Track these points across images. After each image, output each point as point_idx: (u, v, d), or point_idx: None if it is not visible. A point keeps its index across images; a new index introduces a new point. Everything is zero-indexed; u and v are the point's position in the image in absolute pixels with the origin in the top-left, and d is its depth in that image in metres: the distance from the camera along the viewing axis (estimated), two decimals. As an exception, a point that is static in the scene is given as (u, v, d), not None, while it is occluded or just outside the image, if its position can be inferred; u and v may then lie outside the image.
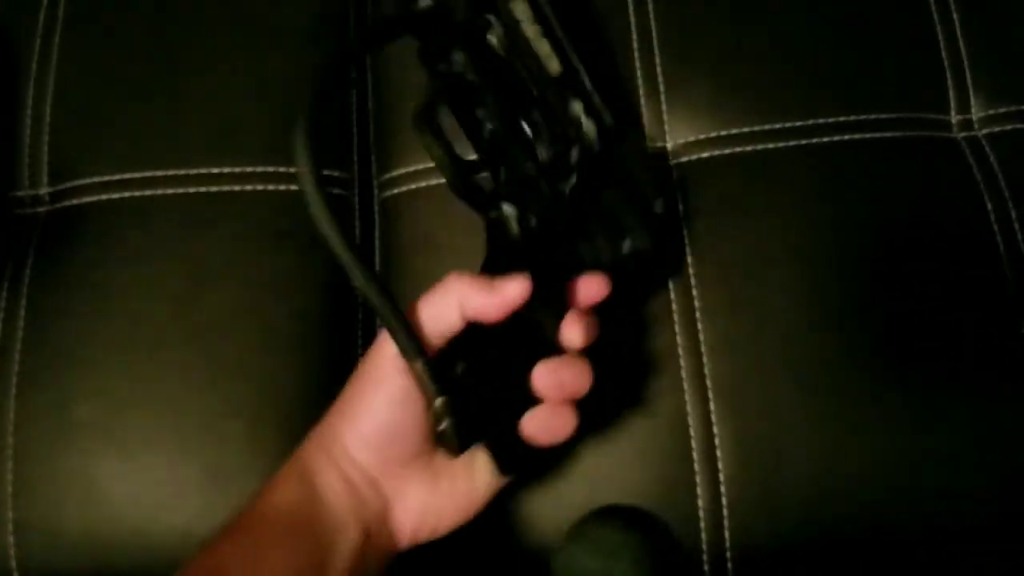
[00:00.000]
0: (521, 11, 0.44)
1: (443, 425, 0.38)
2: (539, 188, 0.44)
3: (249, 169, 0.56)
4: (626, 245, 0.47)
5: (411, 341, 0.37)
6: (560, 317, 0.43)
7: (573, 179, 0.44)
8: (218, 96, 0.57)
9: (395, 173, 0.57)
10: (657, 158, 0.55)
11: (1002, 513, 0.48)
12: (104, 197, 0.55)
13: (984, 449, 0.49)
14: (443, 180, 0.43)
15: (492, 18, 0.43)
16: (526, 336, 0.42)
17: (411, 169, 0.57)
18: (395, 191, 0.57)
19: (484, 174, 0.44)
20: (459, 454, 0.40)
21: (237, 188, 0.55)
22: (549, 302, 0.43)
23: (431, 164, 0.49)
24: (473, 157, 0.44)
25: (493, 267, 0.43)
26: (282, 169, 0.55)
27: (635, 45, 0.57)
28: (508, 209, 0.43)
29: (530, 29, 0.44)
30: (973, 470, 0.48)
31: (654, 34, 0.57)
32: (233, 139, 0.56)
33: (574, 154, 0.44)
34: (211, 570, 0.37)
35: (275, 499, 0.39)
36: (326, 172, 0.56)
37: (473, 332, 0.41)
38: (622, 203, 0.47)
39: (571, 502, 0.49)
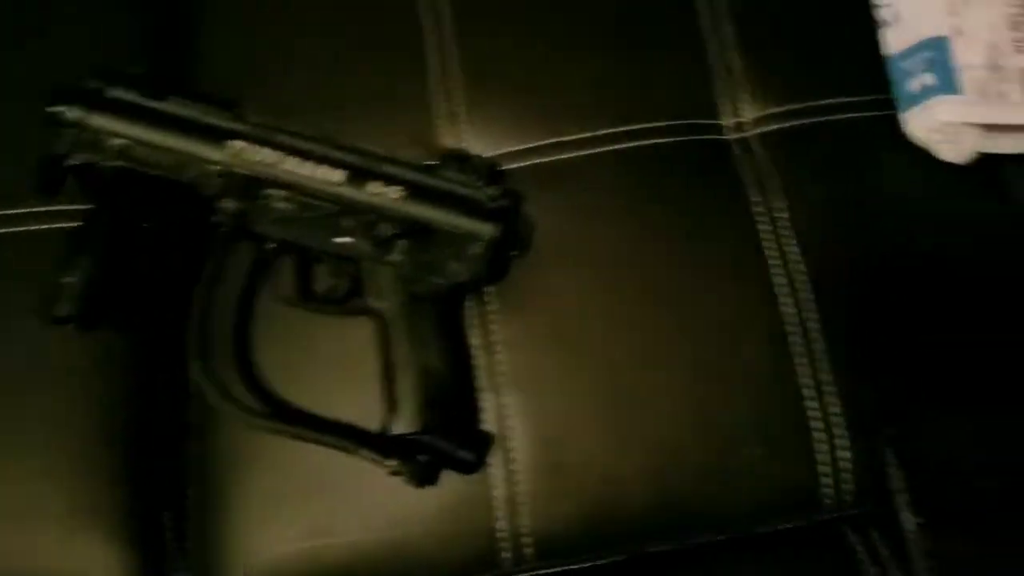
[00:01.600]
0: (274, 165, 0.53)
1: (404, 478, 0.50)
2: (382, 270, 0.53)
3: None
4: (458, 274, 0.54)
5: (349, 442, 0.50)
6: None
7: (399, 245, 0.53)
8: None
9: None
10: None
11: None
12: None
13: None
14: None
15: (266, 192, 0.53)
16: None
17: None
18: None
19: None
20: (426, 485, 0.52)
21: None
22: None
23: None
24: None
25: None
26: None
27: (435, 67, 0.61)
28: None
29: (300, 174, 0.53)
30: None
31: (455, 57, 0.62)
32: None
33: (385, 229, 0.53)
34: None
35: None
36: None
37: None
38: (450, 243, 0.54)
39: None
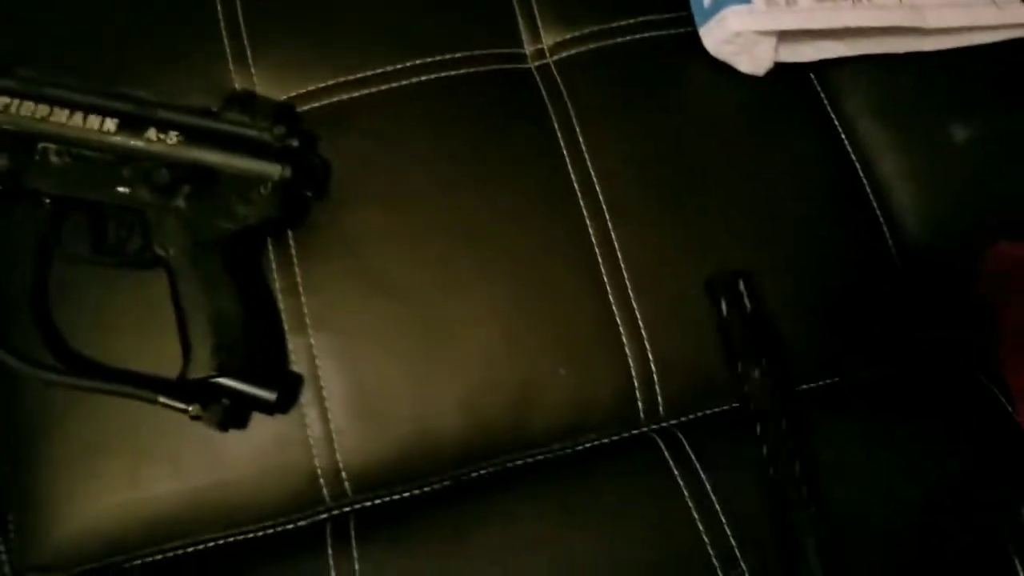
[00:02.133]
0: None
1: (204, 421, 0.50)
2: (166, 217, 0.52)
3: None
4: (247, 217, 0.53)
5: (144, 391, 0.50)
6: None
7: (182, 190, 0.52)
8: None
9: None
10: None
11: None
12: None
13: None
14: None
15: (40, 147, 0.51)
16: None
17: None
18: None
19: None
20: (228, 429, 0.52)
21: None
22: None
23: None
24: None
25: None
26: None
27: (222, 11, 0.60)
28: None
29: (70, 125, 0.51)
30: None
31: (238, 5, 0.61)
32: None
33: (163, 175, 0.52)
34: None
35: None
36: None
37: None
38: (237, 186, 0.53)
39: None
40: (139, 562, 0.52)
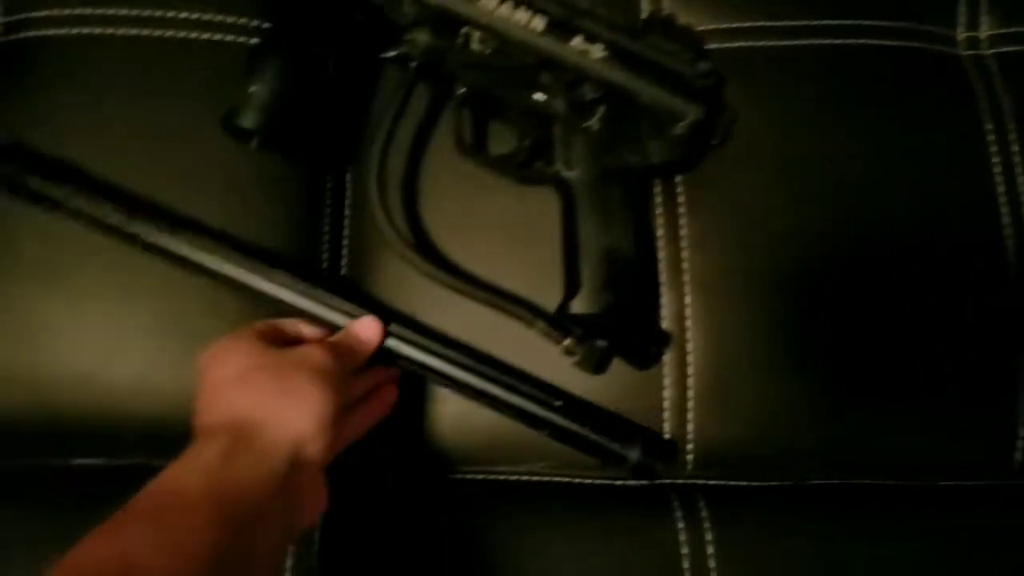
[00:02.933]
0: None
1: (575, 359, 0.47)
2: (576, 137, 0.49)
3: (206, 17, 0.53)
4: (656, 154, 0.50)
5: (525, 311, 0.48)
6: None
7: (599, 111, 0.48)
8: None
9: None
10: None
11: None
12: (58, 31, 0.52)
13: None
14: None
15: (464, 30, 0.48)
16: None
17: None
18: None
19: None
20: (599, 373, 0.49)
21: (193, 35, 0.53)
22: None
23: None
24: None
25: None
26: (231, 20, 0.53)
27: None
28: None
29: (498, 15, 0.48)
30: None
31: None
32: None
33: (586, 91, 0.48)
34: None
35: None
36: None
37: None
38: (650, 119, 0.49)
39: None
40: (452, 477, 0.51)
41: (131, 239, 0.46)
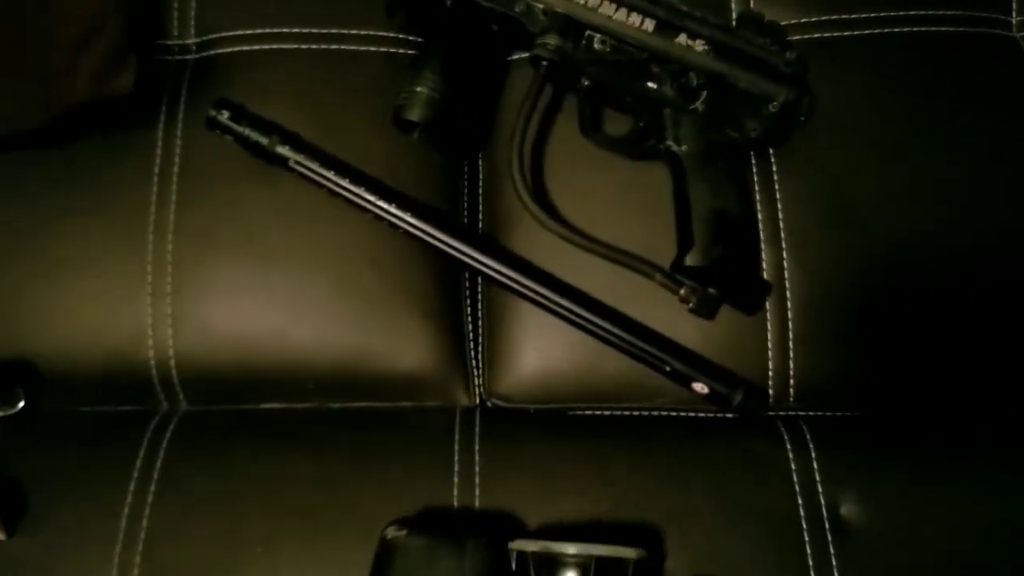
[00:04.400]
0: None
1: (691, 305, 0.56)
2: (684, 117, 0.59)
3: (364, 32, 0.64)
4: (753, 130, 0.59)
5: (645, 265, 0.57)
6: None
7: (703, 95, 0.58)
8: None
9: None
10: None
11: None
12: (242, 49, 0.64)
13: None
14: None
15: (587, 33, 0.58)
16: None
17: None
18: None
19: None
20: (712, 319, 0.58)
21: (361, 48, 0.64)
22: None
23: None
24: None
25: None
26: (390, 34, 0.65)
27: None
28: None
29: (615, 19, 0.58)
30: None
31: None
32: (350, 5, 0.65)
33: (692, 79, 0.57)
34: None
35: None
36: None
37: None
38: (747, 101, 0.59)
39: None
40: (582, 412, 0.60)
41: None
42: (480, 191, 0.65)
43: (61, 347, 0.59)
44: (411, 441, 0.57)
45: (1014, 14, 0.64)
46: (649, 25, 0.58)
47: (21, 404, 0.58)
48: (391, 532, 0.51)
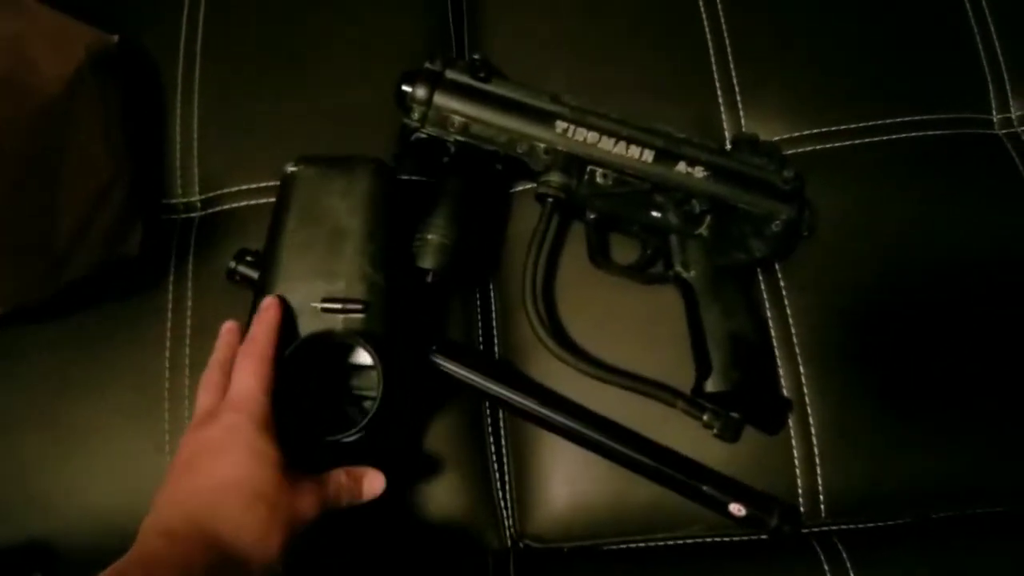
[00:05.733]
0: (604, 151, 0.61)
1: (715, 431, 0.57)
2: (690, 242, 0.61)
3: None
4: (759, 250, 0.61)
5: (666, 393, 0.58)
6: None
7: (706, 220, 0.61)
8: (342, 107, 0.69)
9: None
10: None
11: None
12: (246, 203, 0.66)
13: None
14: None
15: (588, 168, 0.61)
16: None
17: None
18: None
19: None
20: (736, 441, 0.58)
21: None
22: None
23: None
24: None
25: None
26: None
27: (712, 59, 0.69)
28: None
29: (615, 153, 0.61)
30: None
31: (728, 49, 0.69)
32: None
33: (695, 205, 0.60)
34: None
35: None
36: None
37: None
38: (750, 222, 0.61)
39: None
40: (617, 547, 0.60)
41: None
42: (494, 321, 0.67)
43: (78, 522, 0.59)
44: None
45: (994, 112, 0.68)
46: (648, 156, 0.61)
47: (41, 587, 0.57)
48: (289, 167, 0.59)
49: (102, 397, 0.60)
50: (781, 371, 0.61)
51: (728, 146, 0.65)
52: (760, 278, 0.63)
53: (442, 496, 0.60)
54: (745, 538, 0.60)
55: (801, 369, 0.61)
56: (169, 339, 0.61)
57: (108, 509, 0.59)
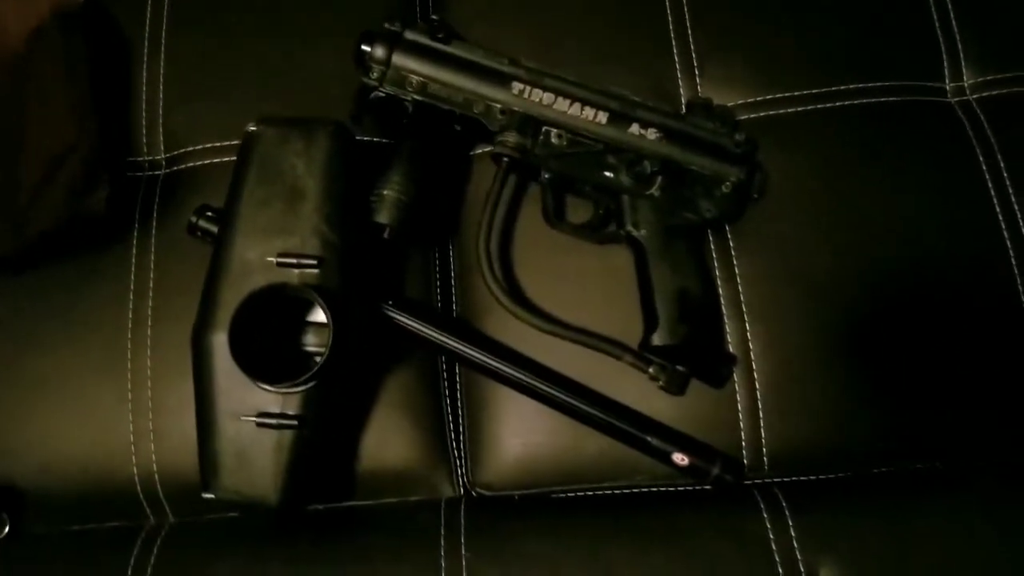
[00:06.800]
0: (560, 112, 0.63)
1: (661, 383, 0.60)
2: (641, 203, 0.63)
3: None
4: (708, 211, 0.63)
5: (614, 347, 0.61)
6: None
7: (657, 181, 0.63)
8: (303, 70, 0.70)
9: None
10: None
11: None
12: (209, 161, 0.68)
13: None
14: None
15: (544, 129, 0.63)
16: None
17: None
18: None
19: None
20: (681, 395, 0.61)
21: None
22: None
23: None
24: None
25: None
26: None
27: (671, 26, 0.70)
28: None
29: (570, 114, 0.63)
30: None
31: (686, 16, 0.71)
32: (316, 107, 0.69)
33: (646, 166, 0.62)
34: None
35: None
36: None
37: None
38: (701, 183, 0.63)
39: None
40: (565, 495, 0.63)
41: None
42: (452, 280, 0.69)
43: (44, 469, 0.62)
44: (397, 538, 0.60)
45: (947, 81, 0.70)
46: (602, 117, 0.63)
47: (7, 530, 0.60)
48: (250, 126, 0.61)
49: (67, 350, 0.63)
50: (728, 329, 0.63)
51: (683, 110, 0.67)
52: (711, 240, 0.65)
53: (398, 445, 0.62)
54: (690, 488, 0.62)
55: (748, 327, 0.63)
56: (132, 293, 0.64)
57: (72, 457, 0.61)
